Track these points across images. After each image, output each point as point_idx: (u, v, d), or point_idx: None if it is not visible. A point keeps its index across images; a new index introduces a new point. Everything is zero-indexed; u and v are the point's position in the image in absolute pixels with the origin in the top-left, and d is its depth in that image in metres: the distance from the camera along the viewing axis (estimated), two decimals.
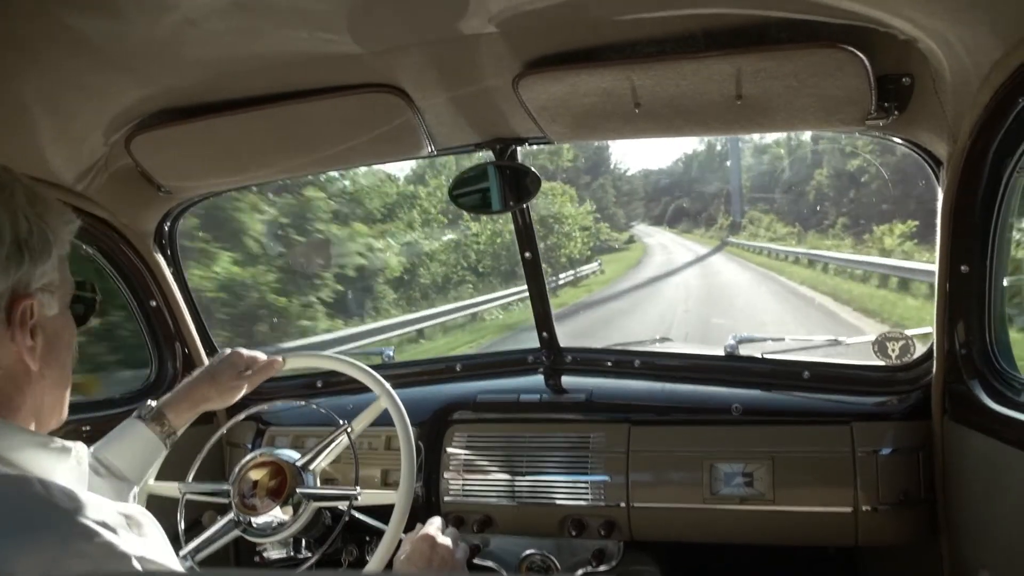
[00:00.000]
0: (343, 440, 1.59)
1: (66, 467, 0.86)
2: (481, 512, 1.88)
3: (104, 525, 0.73)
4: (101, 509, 0.75)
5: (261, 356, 1.55)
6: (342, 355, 1.64)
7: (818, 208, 17.14)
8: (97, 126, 1.48)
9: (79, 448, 0.90)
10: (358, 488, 1.53)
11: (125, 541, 0.74)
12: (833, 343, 1.99)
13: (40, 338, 0.87)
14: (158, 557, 0.77)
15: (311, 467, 1.58)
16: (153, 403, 1.43)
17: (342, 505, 1.56)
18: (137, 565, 0.73)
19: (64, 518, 0.72)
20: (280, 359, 1.56)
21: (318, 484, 1.58)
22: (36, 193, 0.88)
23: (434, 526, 1.39)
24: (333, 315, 9.08)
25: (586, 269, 16.79)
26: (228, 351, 1.54)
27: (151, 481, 1.59)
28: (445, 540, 1.37)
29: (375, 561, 1.46)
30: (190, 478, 1.65)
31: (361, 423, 1.60)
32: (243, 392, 1.51)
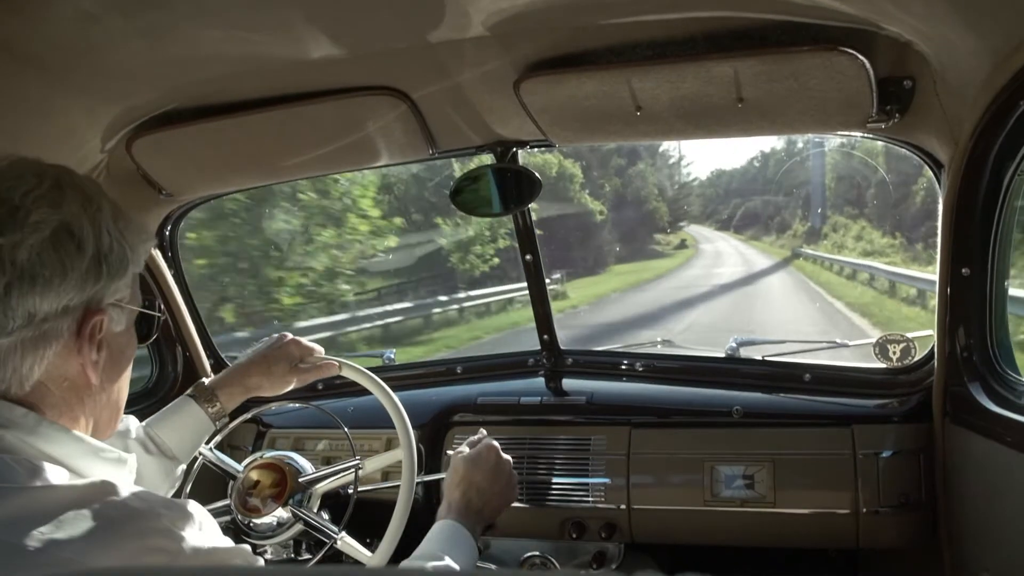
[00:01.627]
0: (350, 475, 1.59)
1: (121, 475, 0.90)
2: None
3: (176, 523, 0.80)
4: (171, 508, 0.82)
5: (318, 350, 1.52)
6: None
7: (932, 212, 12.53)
8: (98, 128, 1.49)
9: (131, 459, 0.94)
10: (342, 533, 1.54)
11: (194, 536, 0.81)
12: (834, 345, 1.99)
13: (105, 352, 0.90)
14: (219, 546, 0.84)
15: (313, 488, 1.58)
16: (206, 381, 1.43)
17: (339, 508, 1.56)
18: (205, 558, 0.80)
19: (142, 519, 0.78)
20: (337, 365, 1.51)
21: (312, 507, 1.59)
22: (120, 209, 0.91)
23: (494, 441, 1.46)
24: None
25: (484, 294, 10.73)
26: (288, 338, 1.50)
27: None
28: (507, 456, 1.47)
29: (376, 560, 1.46)
30: (190, 481, 1.65)
31: (373, 464, 1.59)
32: (293, 386, 1.49)
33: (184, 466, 1.38)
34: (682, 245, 20.10)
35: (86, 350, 0.86)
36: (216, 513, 1.60)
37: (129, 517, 0.78)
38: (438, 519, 1.35)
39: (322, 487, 1.59)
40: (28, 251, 0.80)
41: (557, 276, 11.54)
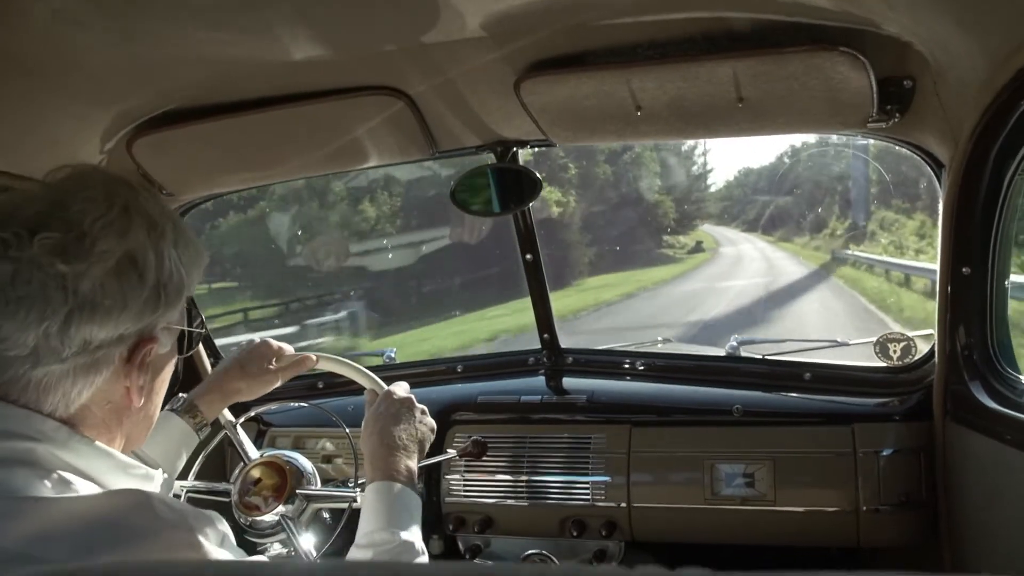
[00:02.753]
0: (344, 504, 1.57)
1: (148, 489, 0.91)
2: (482, 513, 1.88)
3: (205, 535, 0.80)
4: (200, 519, 0.82)
5: (289, 349, 1.51)
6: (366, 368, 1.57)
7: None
8: (95, 131, 1.48)
9: (157, 475, 0.95)
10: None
11: (218, 550, 0.81)
12: (834, 344, 1.99)
13: (149, 375, 0.91)
14: (241, 558, 0.86)
15: (309, 502, 1.57)
16: (184, 395, 1.43)
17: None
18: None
19: (174, 530, 0.79)
20: (314, 357, 1.52)
21: (305, 519, 1.57)
22: (181, 230, 0.91)
23: (392, 388, 1.40)
24: None
25: None
26: (257, 340, 1.50)
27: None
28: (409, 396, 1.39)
29: None
30: (191, 478, 1.65)
31: None
32: (275, 384, 1.48)
33: (166, 476, 1.34)
34: (698, 248, 16.76)
35: (134, 376, 0.87)
36: (213, 492, 1.60)
37: (162, 527, 0.78)
38: (368, 481, 1.25)
39: (318, 505, 1.59)
40: (92, 281, 0.80)
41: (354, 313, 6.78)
